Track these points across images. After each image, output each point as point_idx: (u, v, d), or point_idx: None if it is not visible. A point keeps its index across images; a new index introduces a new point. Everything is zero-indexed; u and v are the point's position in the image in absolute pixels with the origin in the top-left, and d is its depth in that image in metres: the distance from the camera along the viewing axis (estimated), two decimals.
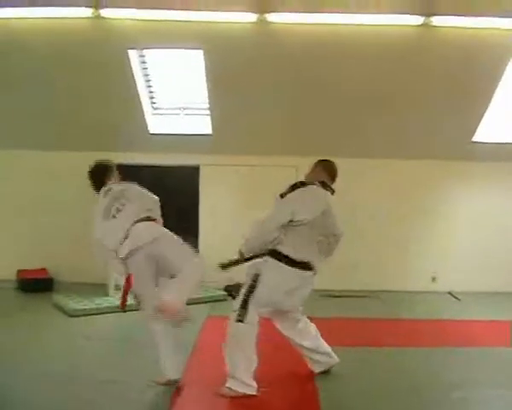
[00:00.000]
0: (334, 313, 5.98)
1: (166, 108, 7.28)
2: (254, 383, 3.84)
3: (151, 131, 7.13)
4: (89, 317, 5.78)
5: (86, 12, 5.79)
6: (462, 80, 6.27)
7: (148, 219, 3.91)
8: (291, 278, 3.92)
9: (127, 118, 6.82)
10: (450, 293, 7.24)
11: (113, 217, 3.87)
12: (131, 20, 5.90)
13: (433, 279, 7.42)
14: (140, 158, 7.13)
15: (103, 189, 4.05)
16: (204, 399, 3.86)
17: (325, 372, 4.23)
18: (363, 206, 7.16)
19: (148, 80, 6.88)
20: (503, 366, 4.60)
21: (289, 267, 3.89)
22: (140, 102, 6.80)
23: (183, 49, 6.58)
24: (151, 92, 7.04)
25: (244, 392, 3.80)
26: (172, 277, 3.79)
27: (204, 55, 6.20)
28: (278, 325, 4.21)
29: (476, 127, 6.88)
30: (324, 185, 4.08)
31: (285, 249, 3.88)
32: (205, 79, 6.47)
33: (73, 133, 6.94)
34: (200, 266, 3.87)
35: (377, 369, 4.49)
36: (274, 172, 7.24)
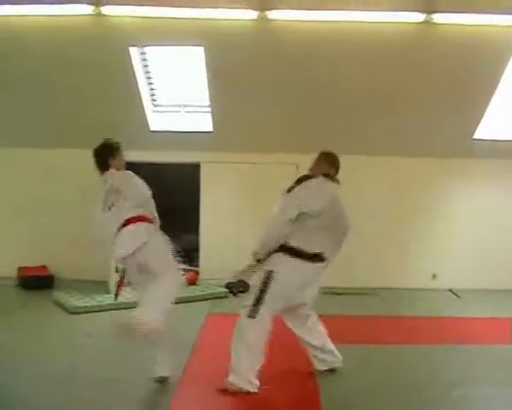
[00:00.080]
0: (335, 310, 5.98)
1: (167, 106, 7.27)
2: (257, 381, 3.85)
3: (152, 129, 7.13)
4: (90, 314, 5.78)
5: (87, 9, 5.79)
6: (463, 77, 6.27)
7: (139, 218, 3.87)
8: (304, 271, 3.95)
9: (128, 115, 6.82)
10: (450, 290, 7.24)
11: (109, 209, 3.90)
12: (132, 17, 5.90)
13: (434, 277, 7.42)
14: (140, 155, 7.10)
15: (104, 175, 3.98)
16: (204, 397, 3.86)
17: (327, 370, 4.24)
18: (363, 204, 7.14)
19: (149, 77, 6.88)
20: (503, 364, 4.60)
21: (302, 261, 3.91)
22: (141, 100, 6.80)
23: (183, 47, 6.58)
24: (152, 89, 7.04)
25: (245, 388, 3.81)
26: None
27: (205, 52, 6.20)
28: (289, 324, 4.22)
29: (477, 124, 6.87)
30: (329, 177, 4.10)
31: (296, 243, 3.90)
32: (205, 76, 6.46)
33: (74, 131, 6.93)
34: (175, 280, 3.87)
35: (377, 366, 4.50)
36: (275, 169, 7.24)
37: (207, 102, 6.86)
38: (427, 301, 6.80)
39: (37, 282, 6.92)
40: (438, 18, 5.76)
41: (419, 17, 5.76)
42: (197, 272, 7.39)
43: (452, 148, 7.10)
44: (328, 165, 4.16)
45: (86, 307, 5.91)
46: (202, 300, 6.52)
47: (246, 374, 3.82)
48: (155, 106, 7.21)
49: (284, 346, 4.34)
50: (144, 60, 6.65)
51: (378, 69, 6.26)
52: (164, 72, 6.92)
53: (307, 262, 3.92)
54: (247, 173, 7.41)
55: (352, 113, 6.69)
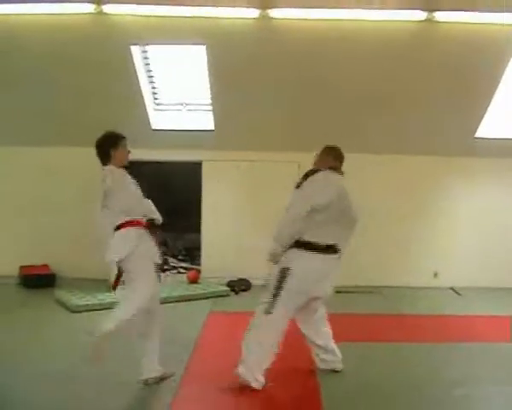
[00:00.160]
0: (336, 308, 5.97)
1: (169, 104, 7.27)
2: (263, 379, 3.89)
3: (153, 127, 7.13)
4: (91, 312, 5.77)
5: (88, 8, 5.79)
6: (465, 76, 6.26)
7: (131, 222, 3.85)
8: (319, 264, 3.98)
9: (129, 114, 6.81)
10: (452, 288, 7.24)
11: (103, 207, 3.90)
12: (134, 15, 5.89)
13: (435, 275, 7.42)
14: (142, 154, 7.08)
15: (104, 170, 3.93)
16: (206, 395, 3.87)
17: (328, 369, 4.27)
18: (365, 202, 7.05)
19: (151, 76, 6.88)
20: (504, 362, 4.61)
21: (316, 253, 3.94)
22: (142, 98, 6.80)
23: (185, 45, 6.57)
24: (153, 88, 7.04)
25: (250, 383, 3.84)
26: None
27: (206, 50, 6.20)
28: (299, 322, 4.23)
29: (479, 123, 6.86)
30: (334, 170, 4.13)
31: (309, 237, 3.93)
32: (207, 74, 6.46)
33: (75, 129, 6.93)
34: (142, 294, 3.84)
35: (379, 364, 4.51)
36: (276, 168, 7.25)
37: (209, 101, 6.86)
38: (428, 299, 6.80)
39: (38, 280, 6.92)
40: (440, 16, 5.76)
41: (421, 15, 5.75)
42: (199, 271, 7.40)
43: (454, 146, 7.10)
44: (332, 158, 4.21)
45: (88, 305, 5.91)
46: (204, 298, 6.52)
47: (253, 369, 3.85)
48: (157, 104, 7.21)
49: (286, 344, 4.33)
50: (146, 58, 6.65)
51: (380, 67, 6.25)
52: (165, 70, 6.91)
53: (321, 254, 3.96)
54: (249, 172, 7.41)
55: (354, 111, 6.68)
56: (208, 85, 6.60)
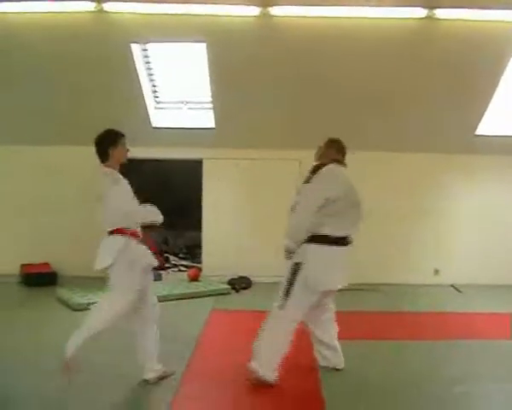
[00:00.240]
0: (337, 306, 5.98)
1: (169, 102, 7.27)
2: (275, 374, 3.92)
3: (154, 125, 7.13)
4: None
5: (89, 6, 5.79)
6: (465, 73, 6.26)
7: (119, 231, 3.82)
8: (332, 256, 4.00)
9: (130, 112, 6.81)
10: (453, 286, 7.25)
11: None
12: (134, 13, 5.89)
13: (436, 272, 7.42)
14: (143, 152, 7.09)
15: (101, 169, 3.91)
16: (207, 393, 3.88)
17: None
18: (365, 199, 7.12)
19: (151, 74, 6.88)
20: (504, 359, 4.62)
21: (328, 247, 3.96)
22: (143, 96, 6.80)
23: (185, 43, 6.57)
24: (154, 86, 7.04)
25: (263, 377, 3.89)
26: None
27: (207, 48, 6.19)
28: (307, 318, 4.22)
29: (479, 120, 6.86)
30: (338, 162, 4.16)
31: (324, 230, 3.94)
32: (207, 72, 6.46)
33: (75, 128, 6.93)
34: (113, 307, 3.84)
35: (379, 362, 4.52)
36: (277, 165, 7.26)
37: (209, 99, 6.86)
38: (429, 296, 6.81)
39: (39, 279, 6.93)
40: (440, 13, 5.76)
41: (421, 12, 5.75)
42: (199, 269, 7.40)
43: (454, 143, 7.10)
44: (335, 151, 4.25)
45: (89, 303, 5.90)
46: (205, 296, 6.53)
47: (266, 364, 3.90)
48: (157, 103, 7.21)
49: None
50: (146, 56, 6.65)
51: (380, 65, 6.25)
52: (166, 68, 6.91)
53: (333, 247, 3.97)
54: (250, 170, 7.41)
55: (354, 108, 6.68)
56: (208, 83, 6.60)
